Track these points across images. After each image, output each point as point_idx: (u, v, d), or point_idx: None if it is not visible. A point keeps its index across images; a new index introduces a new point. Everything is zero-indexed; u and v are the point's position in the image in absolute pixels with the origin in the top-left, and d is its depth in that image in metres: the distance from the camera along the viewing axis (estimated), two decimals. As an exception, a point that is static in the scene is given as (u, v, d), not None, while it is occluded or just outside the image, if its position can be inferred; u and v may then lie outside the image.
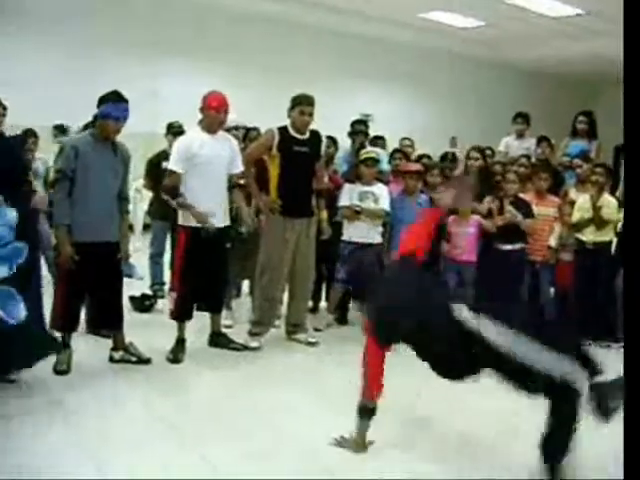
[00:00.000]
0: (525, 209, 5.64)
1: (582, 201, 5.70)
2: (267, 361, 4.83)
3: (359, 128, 6.55)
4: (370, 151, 5.84)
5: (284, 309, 5.41)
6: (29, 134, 6.45)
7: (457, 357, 3.09)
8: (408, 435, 3.63)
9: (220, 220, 4.77)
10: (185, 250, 4.71)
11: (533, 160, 6.64)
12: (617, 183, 6.36)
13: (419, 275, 3.48)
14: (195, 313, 4.89)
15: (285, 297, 5.33)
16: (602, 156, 6.99)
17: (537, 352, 2.86)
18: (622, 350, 3.18)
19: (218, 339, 5.03)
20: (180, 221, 4.77)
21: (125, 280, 4.59)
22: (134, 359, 4.52)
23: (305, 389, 4.24)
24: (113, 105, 4.21)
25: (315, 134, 5.11)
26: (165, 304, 5.61)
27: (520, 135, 7.38)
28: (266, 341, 5.13)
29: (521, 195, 5.77)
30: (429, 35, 12.94)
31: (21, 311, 3.80)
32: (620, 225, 5.52)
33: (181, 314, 4.80)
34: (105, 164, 4.29)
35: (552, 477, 2.95)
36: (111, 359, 4.54)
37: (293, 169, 4.98)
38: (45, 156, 6.69)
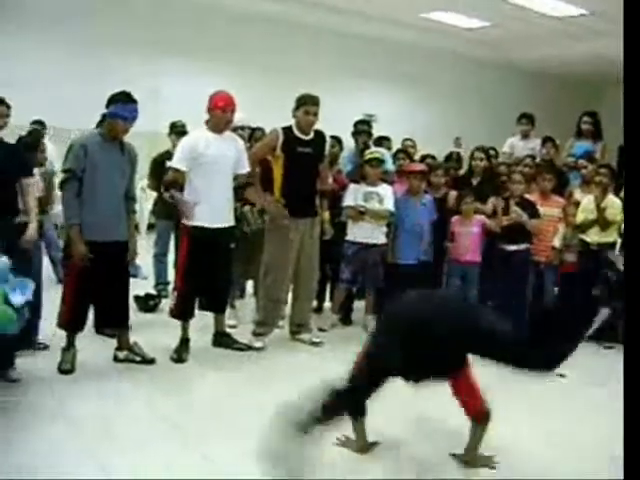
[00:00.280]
0: (531, 209, 5.64)
1: (586, 202, 5.70)
2: (271, 361, 4.84)
3: (362, 128, 6.52)
4: (375, 151, 5.83)
5: (288, 309, 5.41)
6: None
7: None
8: (410, 435, 3.63)
9: (225, 220, 4.77)
10: (189, 249, 4.71)
11: (538, 161, 6.63)
12: (621, 184, 6.35)
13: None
14: (199, 313, 4.90)
15: (289, 297, 5.33)
16: (607, 157, 6.98)
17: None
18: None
19: (222, 339, 5.03)
20: (184, 220, 4.77)
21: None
22: (138, 359, 4.53)
23: (309, 389, 4.23)
24: (122, 105, 4.23)
25: (319, 134, 5.11)
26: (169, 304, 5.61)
27: (525, 136, 7.37)
28: (270, 341, 5.14)
29: (526, 196, 5.78)
30: (433, 35, 12.94)
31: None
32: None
33: (181, 312, 4.80)
34: (113, 163, 4.30)
35: None
36: (115, 359, 4.54)
37: (297, 169, 4.97)
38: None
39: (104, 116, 4.42)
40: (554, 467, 3.35)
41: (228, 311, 5.24)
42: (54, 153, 6.49)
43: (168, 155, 6.22)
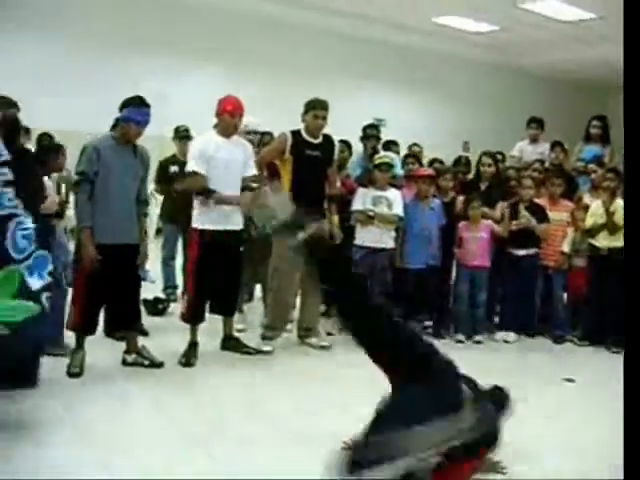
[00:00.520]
0: (540, 214, 5.63)
1: (595, 206, 5.68)
2: (279, 365, 4.84)
3: (371, 132, 6.54)
4: (385, 156, 5.84)
5: (296, 313, 5.41)
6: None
7: None
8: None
9: (235, 223, 4.79)
10: (199, 253, 4.72)
11: (547, 165, 6.62)
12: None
13: None
14: (208, 317, 4.91)
15: (297, 301, 5.33)
16: (615, 160, 6.95)
17: None
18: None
19: (230, 343, 5.03)
20: (194, 224, 4.78)
21: (137, 284, 4.61)
22: (147, 362, 4.53)
23: (317, 393, 4.24)
24: (135, 109, 4.26)
25: (328, 139, 5.12)
26: (178, 307, 5.62)
27: (534, 140, 7.35)
28: (278, 345, 5.14)
29: (535, 200, 5.77)
30: (442, 40, 12.95)
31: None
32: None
33: (193, 317, 4.81)
34: (125, 166, 4.33)
35: None
36: (124, 362, 4.55)
37: (305, 173, 4.98)
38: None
39: (117, 120, 4.44)
40: (554, 468, 3.33)
41: (236, 315, 5.25)
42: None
43: (172, 160, 6.25)
